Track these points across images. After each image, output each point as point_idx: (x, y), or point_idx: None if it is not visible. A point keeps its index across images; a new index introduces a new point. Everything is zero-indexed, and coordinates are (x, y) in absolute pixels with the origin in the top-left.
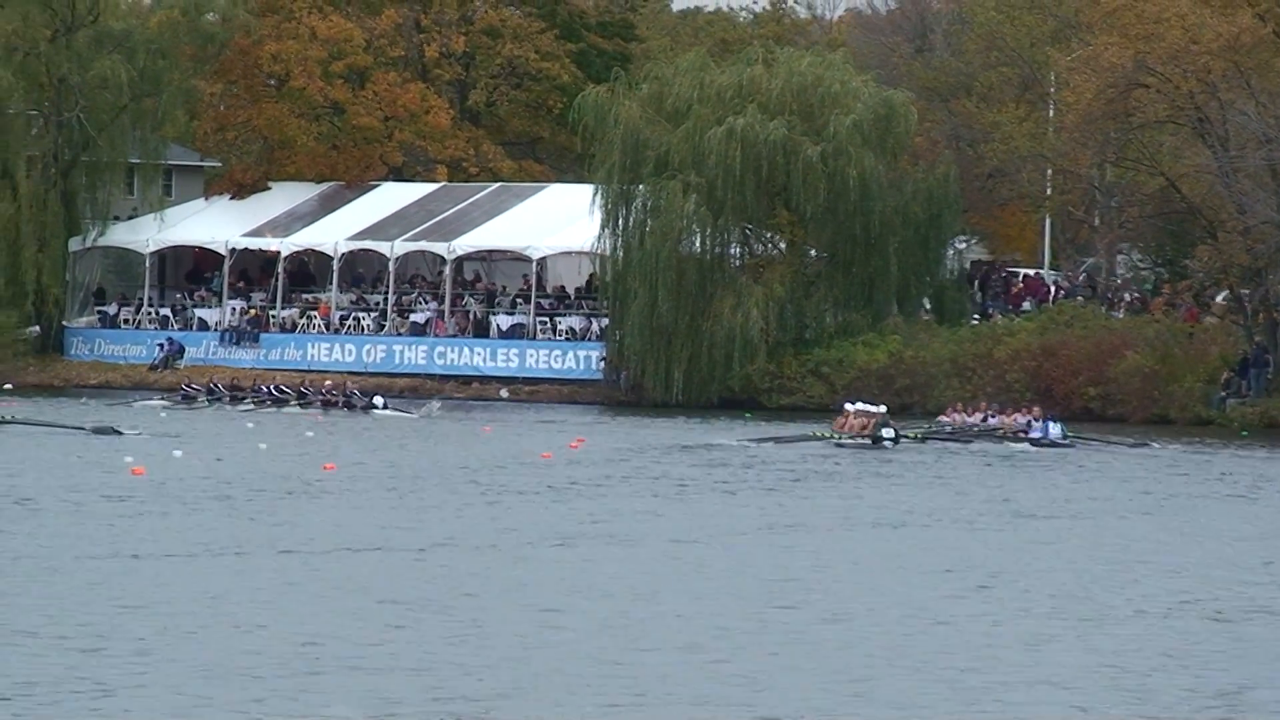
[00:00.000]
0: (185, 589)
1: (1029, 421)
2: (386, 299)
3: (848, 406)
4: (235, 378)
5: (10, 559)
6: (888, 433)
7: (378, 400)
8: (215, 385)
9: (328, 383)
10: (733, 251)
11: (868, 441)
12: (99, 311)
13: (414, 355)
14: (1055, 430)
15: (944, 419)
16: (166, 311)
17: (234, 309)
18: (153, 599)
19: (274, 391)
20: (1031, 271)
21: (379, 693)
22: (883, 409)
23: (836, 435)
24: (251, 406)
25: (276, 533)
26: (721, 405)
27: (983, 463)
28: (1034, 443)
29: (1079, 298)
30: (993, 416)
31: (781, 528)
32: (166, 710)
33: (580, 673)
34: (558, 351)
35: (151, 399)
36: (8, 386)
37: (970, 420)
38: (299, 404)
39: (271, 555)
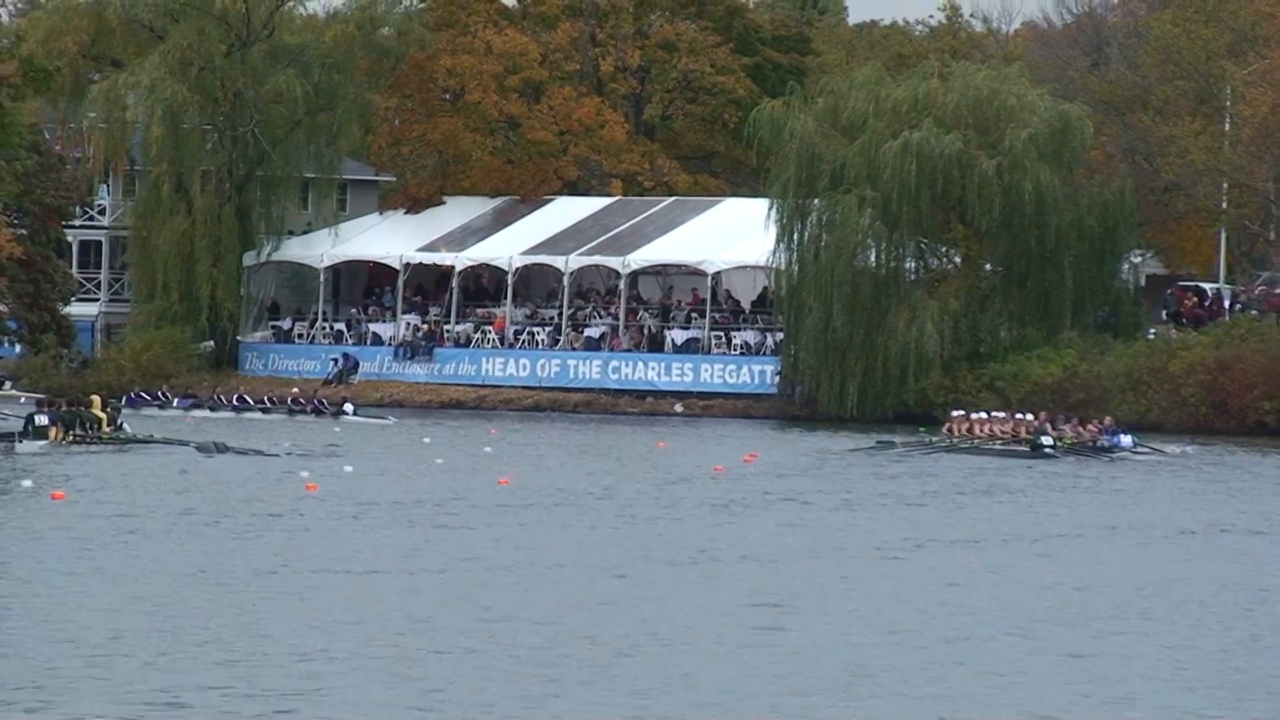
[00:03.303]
0: (391, 605)
1: (1096, 432)
2: (561, 313)
3: (954, 413)
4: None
5: (248, 574)
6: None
7: (347, 407)
8: (165, 394)
9: (294, 390)
10: (908, 265)
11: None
12: (273, 326)
13: (588, 370)
14: (1126, 440)
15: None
16: (341, 326)
17: (408, 324)
18: (369, 614)
19: (235, 402)
20: (1210, 286)
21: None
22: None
23: (947, 439)
24: (209, 413)
25: (473, 550)
26: (896, 419)
27: (1128, 473)
28: (1105, 450)
29: (1254, 311)
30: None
31: (967, 541)
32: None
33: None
34: (732, 366)
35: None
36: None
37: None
38: (260, 411)
39: (458, 573)
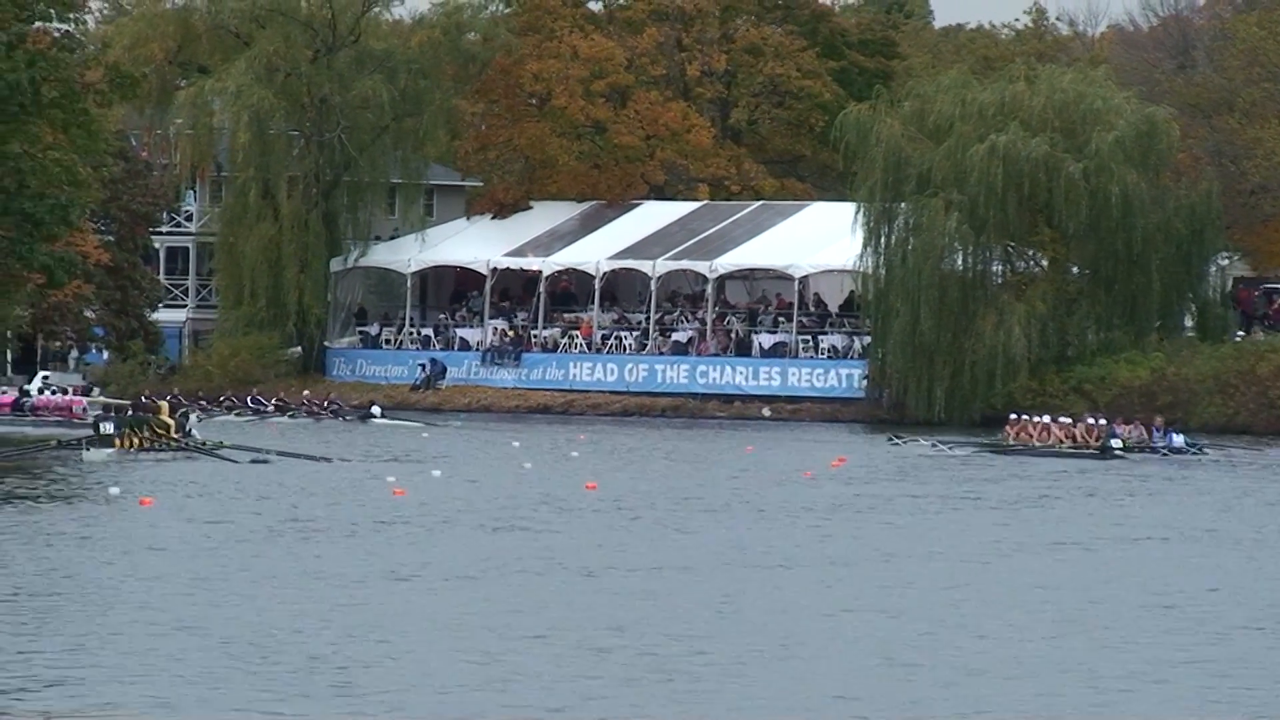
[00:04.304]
0: (487, 608)
1: (1144, 432)
2: (648, 318)
3: (1012, 416)
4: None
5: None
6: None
7: (375, 410)
8: (177, 396)
9: (305, 393)
10: (994, 269)
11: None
12: (360, 332)
13: (676, 374)
14: (1179, 440)
15: None
16: (428, 331)
17: (495, 329)
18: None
19: (250, 403)
20: None
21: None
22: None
23: (1004, 443)
24: (230, 416)
25: (562, 553)
26: (984, 422)
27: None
28: (1159, 452)
29: None
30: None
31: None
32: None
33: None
34: (820, 370)
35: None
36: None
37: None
38: (287, 416)
39: (557, 576)
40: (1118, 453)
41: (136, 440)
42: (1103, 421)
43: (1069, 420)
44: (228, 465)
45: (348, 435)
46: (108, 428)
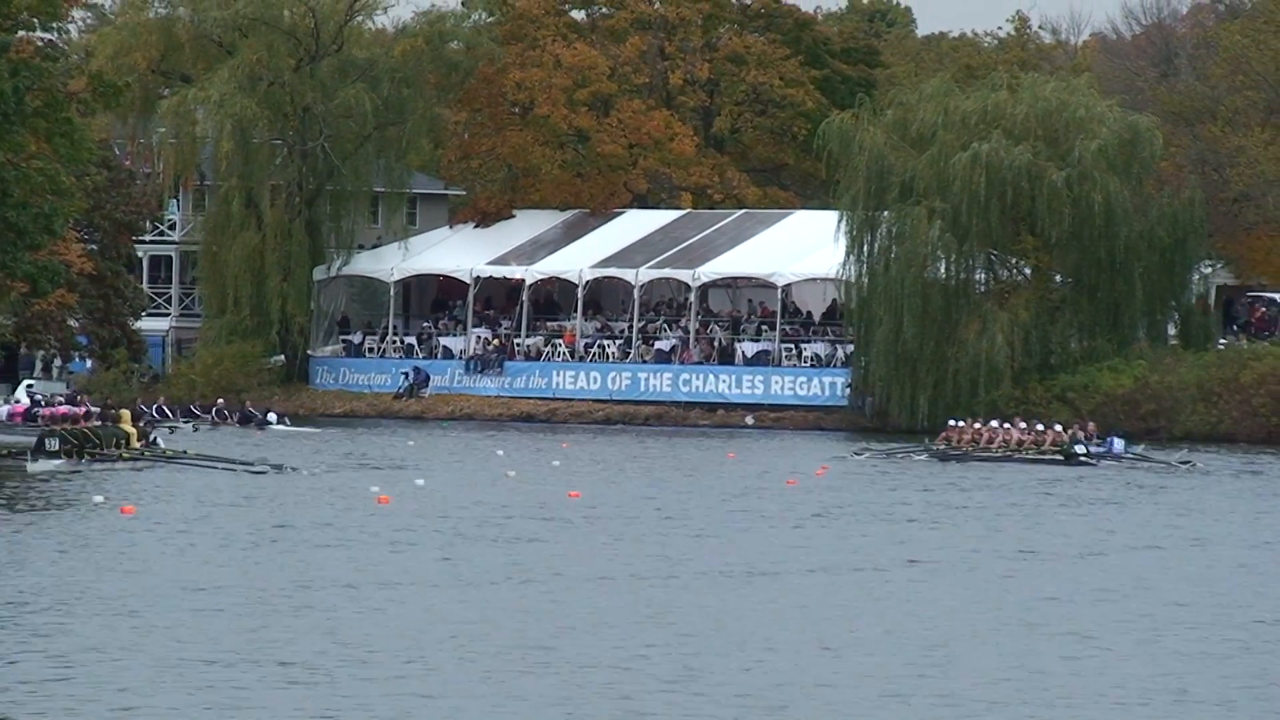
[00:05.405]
0: (474, 618)
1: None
2: (631, 326)
3: (952, 423)
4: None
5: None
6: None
7: (271, 416)
8: (85, 402)
9: (220, 400)
10: (977, 277)
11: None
12: (344, 340)
13: (659, 383)
14: (1119, 446)
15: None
16: (411, 340)
17: (479, 337)
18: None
19: (155, 413)
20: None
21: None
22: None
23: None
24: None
25: (542, 562)
26: None
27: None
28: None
29: None
30: (1026, 434)
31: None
32: None
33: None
34: (803, 378)
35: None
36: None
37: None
38: (189, 423)
39: (520, 585)
40: (1084, 459)
41: (85, 451)
42: (1057, 426)
43: (1023, 425)
44: (195, 473)
45: (250, 441)
46: (53, 443)
